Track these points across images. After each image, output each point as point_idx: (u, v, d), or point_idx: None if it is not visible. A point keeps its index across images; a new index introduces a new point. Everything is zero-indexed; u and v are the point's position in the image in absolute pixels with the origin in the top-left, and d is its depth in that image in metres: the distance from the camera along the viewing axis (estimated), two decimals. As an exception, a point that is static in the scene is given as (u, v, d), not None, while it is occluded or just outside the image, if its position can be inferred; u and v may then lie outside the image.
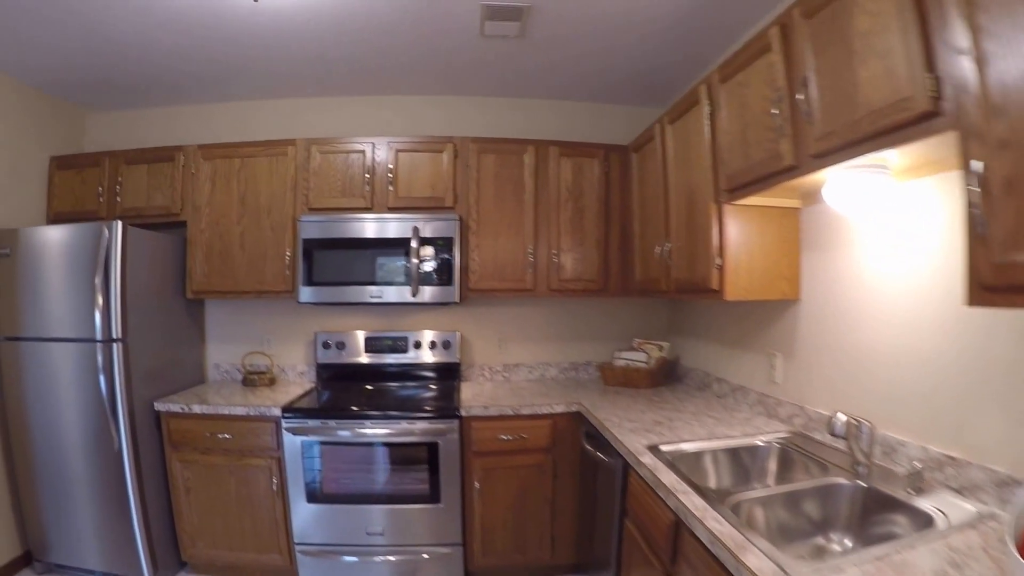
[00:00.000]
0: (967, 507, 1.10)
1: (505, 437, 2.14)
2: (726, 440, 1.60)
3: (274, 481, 2.21)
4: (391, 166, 2.34)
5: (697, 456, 1.55)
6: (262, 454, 2.21)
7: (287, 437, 2.17)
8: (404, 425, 2.11)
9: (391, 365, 2.57)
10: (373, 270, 2.27)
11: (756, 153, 1.42)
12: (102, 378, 2.15)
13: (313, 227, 2.29)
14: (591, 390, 2.36)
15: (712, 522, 1.06)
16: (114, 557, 2.30)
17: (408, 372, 2.59)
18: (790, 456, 1.54)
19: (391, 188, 2.33)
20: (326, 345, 2.57)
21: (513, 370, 2.68)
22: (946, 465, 1.20)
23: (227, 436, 2.20)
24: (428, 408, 2.15)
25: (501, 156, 2.39)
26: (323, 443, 2.15)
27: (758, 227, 1.66)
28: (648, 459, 1.43)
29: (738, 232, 1.63)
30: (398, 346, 2.54)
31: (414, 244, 2.23)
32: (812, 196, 1.56)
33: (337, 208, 2.34)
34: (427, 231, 2.25)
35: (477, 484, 2.16)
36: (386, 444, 2.14)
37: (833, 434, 1.28)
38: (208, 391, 2.46)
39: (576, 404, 2.14)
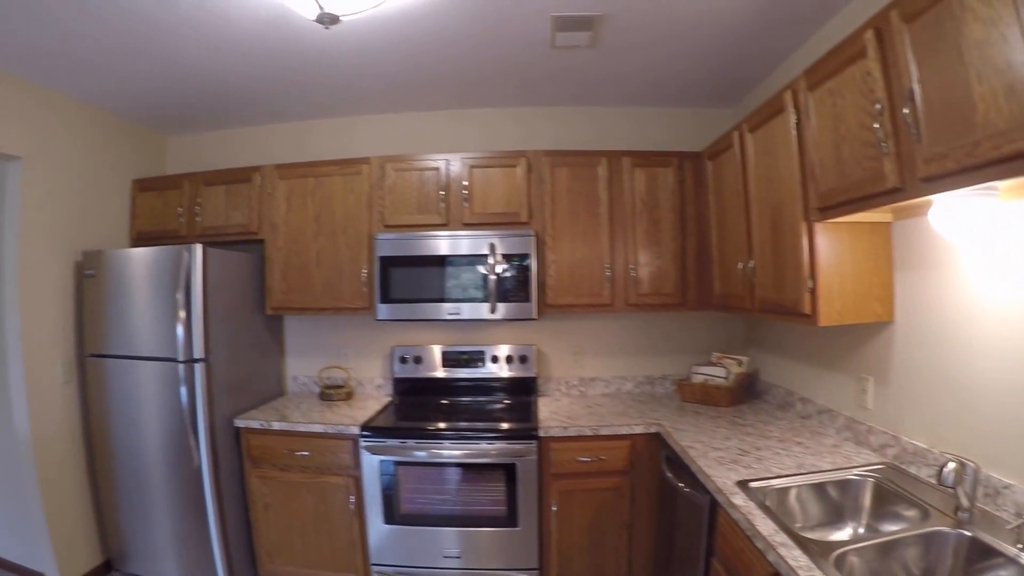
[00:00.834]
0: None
1: (583, 459, 2.11)
2: (817, 474, 1.52)
3: (351, 500, 2.22)
4: (466, 182, 2.34)
5: (788, 492, 1.48)
6: (340, 472, 2.22)
7: (365, 456, 2.17)
8: (483, 446, 2.09)
9: (467, 379, 2.57)
10: (450, 286, 2.27)
11: (853, 171, 1.32)
12: (183, 395, 2.20)
13: (389, 244, 2.30)
14: (669, 408, 2.30)
15: None
16: (192, 570, 2.34)
17: (484, 386, 2.57)
18: (884, 493, 1.44)
19: (466, 204, 2.33)
20: (403, 360, 2.58)
21: (589, 384, 2.64)
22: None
23: (306, 453, 2.22)
24: (507, 428, 2.13)
25: (574, 169, 2.37)
26: (401, 463, 2.14)
27: (848, 244, 1.58)
28: (740, 500, 1.35)
29: (828, 251, 1.56)
30: (474, 360, 2.53)
31: (491, 260, 2.22)
32: (905, 210, 1.44)
33: (413, 225, 2.36)
34: (503, 247, 2.24)
35: (554, 507, 2.13)
36: (464, 465, 2.12)
37: (941, 483, 1.18)
38: (287, 405, 2.49)
39: (656, 424, 2.10)
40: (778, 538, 1.15)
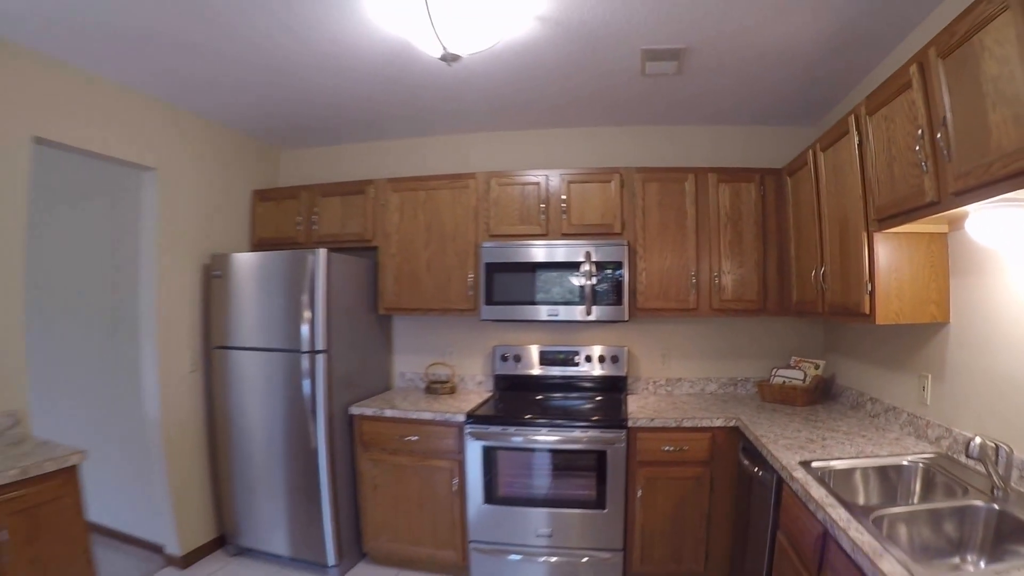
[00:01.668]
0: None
1: (667, 448, 2.92)
2: (874, 459, 2.15)
3: (455, 482, 3.06)
4: (564, 196, 3.19)
5: (846, 473, 2.03)
6: (445, 456, 3.07)
7: (469, 441, 3.01)
8: (576, 433, 2.90)
9: (562, 377, 3.42)
10: (549, 290, 3.12)
11: (901, 187, 1.88)
12: (306, 383, 3.08)
13: (494, 252, 3.17)
14: (749, 406, 3.10)
15: (854, 532, 1.42)
16: (302, 544, 3.21)
17: (578, 384, 3.41)
18: (933, 477, 1.96)
19: (564, 216, 3.18)
20: (504, 358, 3.45)
21: (676, 384, 3.46)
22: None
23: (415, 438, 3.07)
24: (598, 418, 2.97)
25: (663, 184, 3.18)
26: (501, 448, 2.97)
27: (907, 252, 2.26)
28: (800, 474, 1.90)
29: (887, 258, 2.25)
30: (569, 360, 3.37)
31: (586, 267, 3.05)
32: (959, 221, 2.05)
33: (515, 235, 3.22)
34: (598, 255, 3.07)
35: (640, 492, 2.95)
36: (558, 451, 2.95)
37: (968, 455, 1.66)
38: (395, 397, 3.38)
39: (735, 419, 2.89)
40: (827, 500, 1.65)
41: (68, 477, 2.17)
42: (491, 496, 3.05)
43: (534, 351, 3.52)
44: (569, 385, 3.50)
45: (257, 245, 3.75)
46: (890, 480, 2.05)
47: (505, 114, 3.40)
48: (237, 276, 3.33)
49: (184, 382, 3.40)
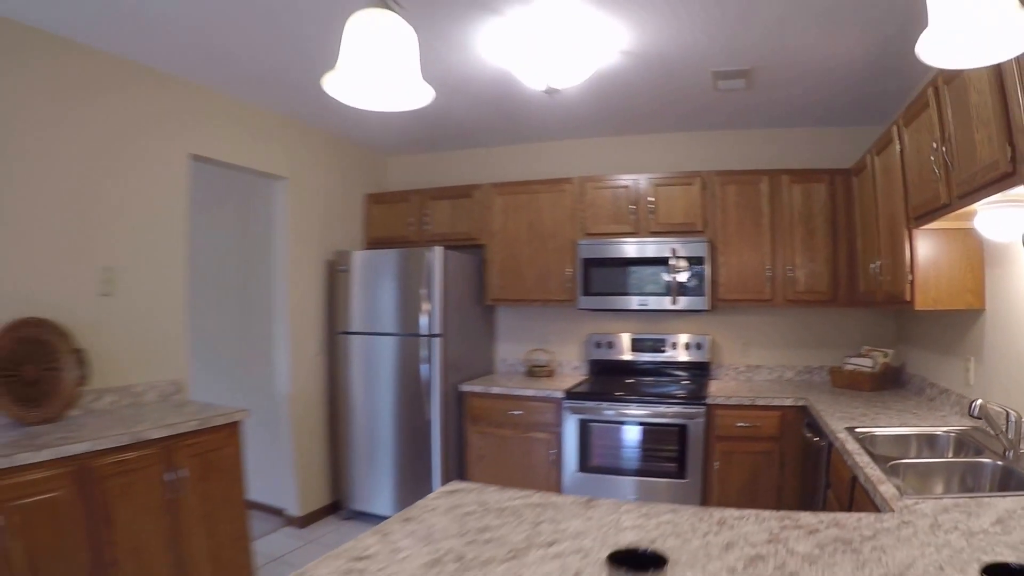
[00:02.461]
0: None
1: (741, 424, 4.08)
2: (913, 429, 3.17)
3: (552, 452, 4.29)
4: (651, 198, 4.40)
5: (883, 438, 3.07)
6: (544, 429, 4.31)
7: (567, 416, 4.24)
8: (661, 408, 4.14)
9: (651, 362, 4.68)
10: (638, 283, 4.35)
11: (926, 191, 3.00)
12: (423, 365, 4.38)
13: (589, 249, 4.42)
14: (820, 391, 4.28)
15: (868, 470, 2.17)
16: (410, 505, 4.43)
17: (665, 369, 4.69)
18: (963, 444, 2.73)
19: (652, 216, 4.40)
20: (598, 344, 4.71)
21: (755, 371, 4.65)
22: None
23: (518, 413, 4.33)
24: (681, 396, 4.22)
25: (740, 186, 4.34)
26: (594, 421, 4.20)
27: (944, 246, 3.33)
28: (843, 435, 2.80)
29: (926, 251, 3.34)
30: (658, 346, 4.60)
31: (672, 262, 4.25)
32: None
33: (608, 233, 4.49)
34: (682, 252, 4.26)
35: (717, 464, 4.10)
36: (645, 425, 4.19)
37: (970, 415, 2.41)
38: (500, 378, 4.68)
39: (803, 399, 4.09)
40: (857, 450, 2.48)
41: (233, 431, 3.52)
42: (584, 465, 4.33)
43: (626, 338, 4.78)
44: (657, 370, 4.74)
45: (370, 243, 5.29)
46: (923, 445, 2.92)
47: (594, 123, 4.71)
48: (358, 270, 4.68)
49: (310, 363, 4.89)
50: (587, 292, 4.56)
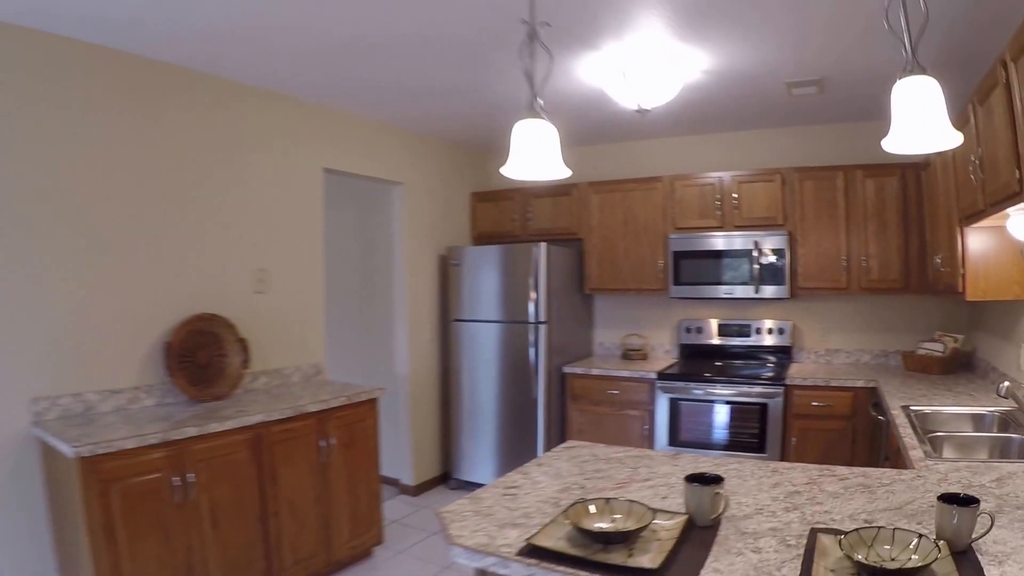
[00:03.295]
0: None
1: (816, 404, 5.66)
2: (963, 408, 4.55)
3: (645, 428, 5.90)
4: (735, 194, 5.96)
5: (934, 415, 4.49)
6: (638, 407, 5.95)
7: (659, 395, 5.84)
8: (744, 388, 5.79)
9: (736, 346, 6.36)
10: (725, 272, 5.98)
11: (969, 195, 4.33)
12: (531, 348, 5.99)
13: (679, 242, 6.05)
14: (892, 373, 5.94)
15: (906, 438, 3.28)
16: None
17: (749, 352, 6.39)
18: (1006, 422, 3.74)
19: (736, 211, 6.01)
20: (687, 330, 6.39)
21: (833, 354, 6.22)
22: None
23: (615, 392, 5.93)
24: (762, 376, 5.82)
25: (817, 181, 5.86)
26: (684, 400, 5.80)
27: (993, 242, 4.69)
28: (896, 411, 4.00)
29: (976, 246, 4.73)
30: (743, 331, 6.24)
31: (755, 253, 5.73)
32: None
33: (696, 227, 6.15)
34: (764, 244, 5.80)
35: (794, 441, 5.64)
36: (729, 403, 5.88)
37: (998, 395, 3.27)
38: (598, 361, 6.58)
39: (873, 381, 5.70)
40: (904, 423, 3.64)
41: (372, 406, 5.47)
42: (674, 439, 5.99)
43: (713, 324, 6.50)
44: (742, 353, 6.46)
45: (477, 238, 7.33)
46: (969, 423, 3.99)
47: (677, 123, 6.52)
48: (469, 264, 6.41)
49: (425, 348, 6.85)
50: (677, 282, 6.28)
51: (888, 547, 1.86)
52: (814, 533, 2.05)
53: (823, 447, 5.42)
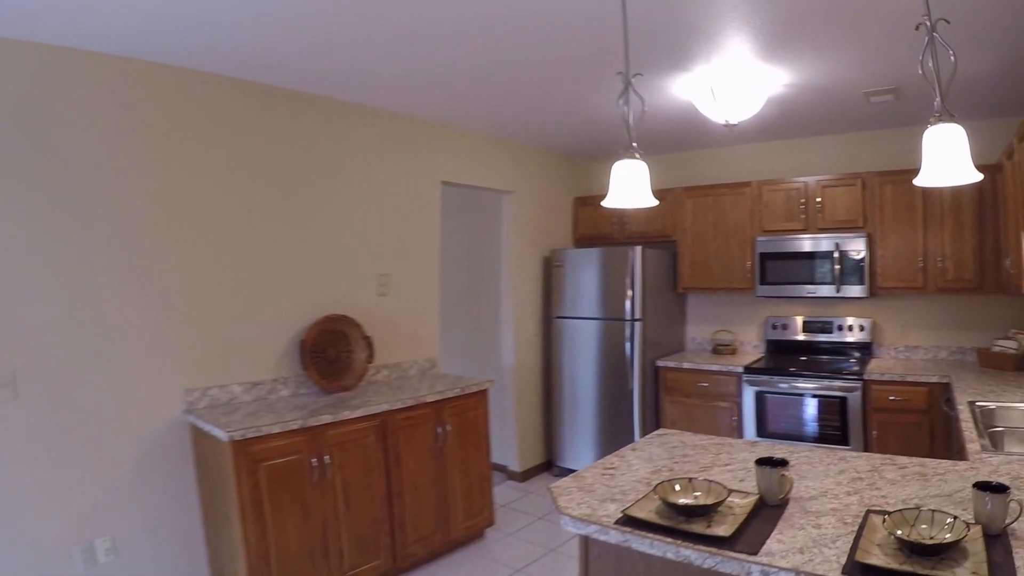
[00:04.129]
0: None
1: (893, 398, 6.76)
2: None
3: (733, 419, 7.25)
4: (818, 198, 7.24)
5: (996, 410, 5.27)
6: (727, 399, 7.32)
7: (745, 388, 7.17)
8: (825, 382, 7.01)
9: (820, 342, 7.65)
10: (807, 273, 7.28)
11: None
12: (627, 343, 7.43)
13: (765, 244, 7.40)
14: (967, 370, 6.79)
15: (966, 432, 3.91)
16: None
17: (832, 348, 7.62)
18: None
19: (819, 214, 7.26)
20: (774, 326, 7.73)
21: (912, 351, 7.38)
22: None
23: (705, 385, 7.31)
24: (842, 371, 7.03)
25: (896, 185, 7.04)
26: (769, 393, 7.12)
27: None
28: (962, 407, 4.62)
29: None
30: (826, 328, 7.52)
31: (836, 255, 6.99)
32: None
33: (781, 230, 7.44)
34: (845, 246, 7.07)
35: (874, 433, 6.83)
36: (812, 396, 7.09)
37: None
38: (689, 355, 7.92)
39: (947, 377, 6.53)
40: (968, 419, 4.31)
41: (482, 397, 6.72)
42: (761, 431, 7.22)
43: (799, 320, 7.74)
44: (826, 349, 7.64)
45: (579, 240, 8.71)
46: None
47: (762, 130, 7.53)
48: (571, 265, 7.97)
49: (530, 343, 8.31)
50: (764, 281, 7.41)
51: (926, 527, 2.33)
52: (868, 514, 2.55)
53: (903, 440, 6.22)
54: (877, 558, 2.19)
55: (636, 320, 7.54)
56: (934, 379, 6.29)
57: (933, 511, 2.38)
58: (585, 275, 7.93)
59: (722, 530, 2.51)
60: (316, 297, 6.01)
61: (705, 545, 2.44)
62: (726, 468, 3.38)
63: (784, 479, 2.81)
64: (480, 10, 4.14)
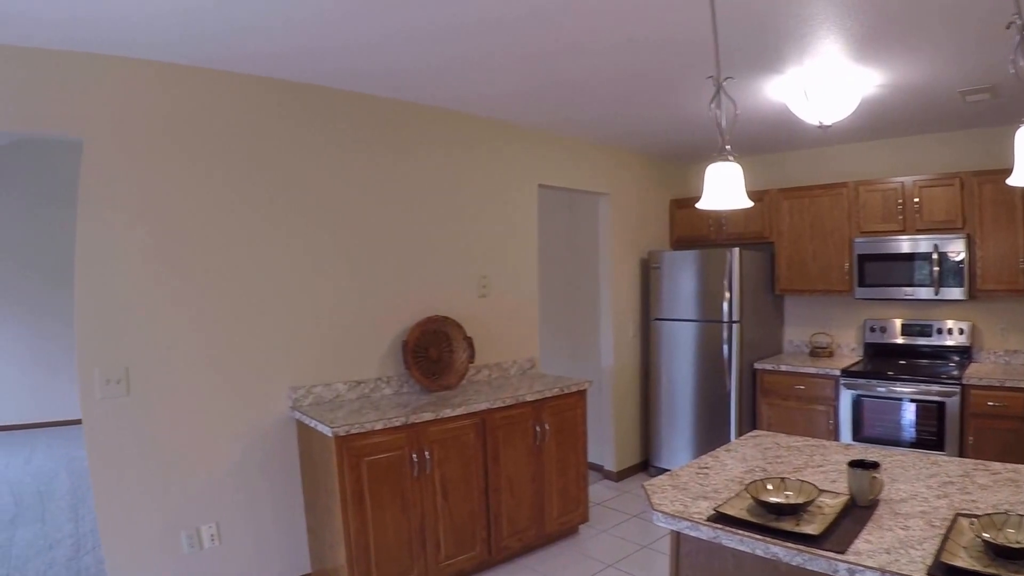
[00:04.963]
0: None
1: (992, 403, 7.24)
2: None
3: (829, 422, 8.05)
4: (916, 199, 7.90)
5: None
6: (823, 402, 8.10)
7: (843, 391, 7.97)
8: (922, 387, 7.54)
9: (919, 346, 8.25)
10: (906, 275, 7.92)
11: None
12: (724, 346, 8.38)
13: (863, 245, 8.12)
14: None
15: None
16: None
17: (930, 352, 8.20)
18: None
19: (917, 215, 7.90)
20: (872, 329, 8.46)
21: (1013, 355, 7.93)
22: None
23: (802, 387, 8.17)
24: (939, 375, 7.58)
25: (996, 185, 7.49)
26: (866, 396, 7.85)
27: None
28: None
29: None
30: (925, 331, 8.17)
31: (935, 256, 7.77)
32: None
33: (879, 231, 8.10)
34: (944, 247, 7.71)
35: (971, 439, 7.38)
36: (908, 400, 7.64)
37: None
38: (786, 357, 8.68)
39: None
40: None
41: (581, 396, 7.50)
42: (857, 434, 7.82)
43: (897, 323, 8.33)
44: (925, 352, 8.19)
45: (675, 242, 9.54)
46: None
47: (857, 130, 8.09)
48: (668, 267, 8.84)
49: (628, 344, 9.15)
50: (862, 283, 8.03)
51: (1013, 531, 2.49)
52: (956, 517, 2.75)
53: (1000, 446, 6.55)
54: (962, 560, 2.39)
55: (734, 322, 8.31)
56: (1032, 385, 6.90)
57: (1021, 516, 2.58)
58: (682, 277, 8.75)
59: (811, 528, 2.77)
60: (419, 298, 6.81)
61: (794, 542, 2.71)
62: (819, 469, 3.75)
63: (875, 481, 3.06)
64: (575, 35, 4.90)
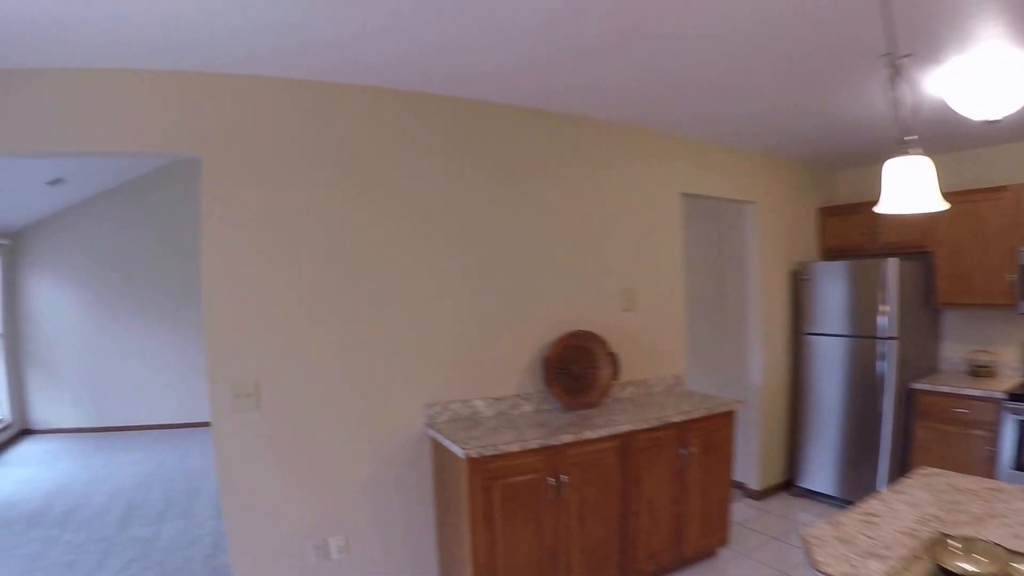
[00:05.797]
0: None
1: None
2: None
3: (988, 449, 8.12)
4: None
5: None
6: (982, 427, 8.12)
7: (1005, 416, 8.08)
8: None
9: None
10: None
11: None
12: (879, 363, 8.61)
13: None
14: None
15: None
16: (853, 486, 9.04)
17: None
18: None
19: None
20: None
21: None
22: None
23: (962, 411, 8.34)
24: None
25: None
26: None
27: None
28: None
29: None
30: None
31: None
32: None
33: None
34: None
35: None
36: None
37: None
38: (944, 377, 8.82)
39: None
40: None
41: (729, 417, 7.71)
42: (1019, 464, 7.82)
43: None
44: None
45: (825, 252, 9.80)
46: None
47: (1013, 129, 8.16)
48: (817, 279, 9.11)
49: (778, 359, 9.45)
50: None
51: None
52: None
53: None
54: None
55: (891, 338, 8.54)
56: None
57: None
58: (833, 289, 9.03)
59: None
60: (560, 313, 7.20)
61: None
62: (1003, 521, 3.57)
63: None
64: (716, 18, 4.95)
